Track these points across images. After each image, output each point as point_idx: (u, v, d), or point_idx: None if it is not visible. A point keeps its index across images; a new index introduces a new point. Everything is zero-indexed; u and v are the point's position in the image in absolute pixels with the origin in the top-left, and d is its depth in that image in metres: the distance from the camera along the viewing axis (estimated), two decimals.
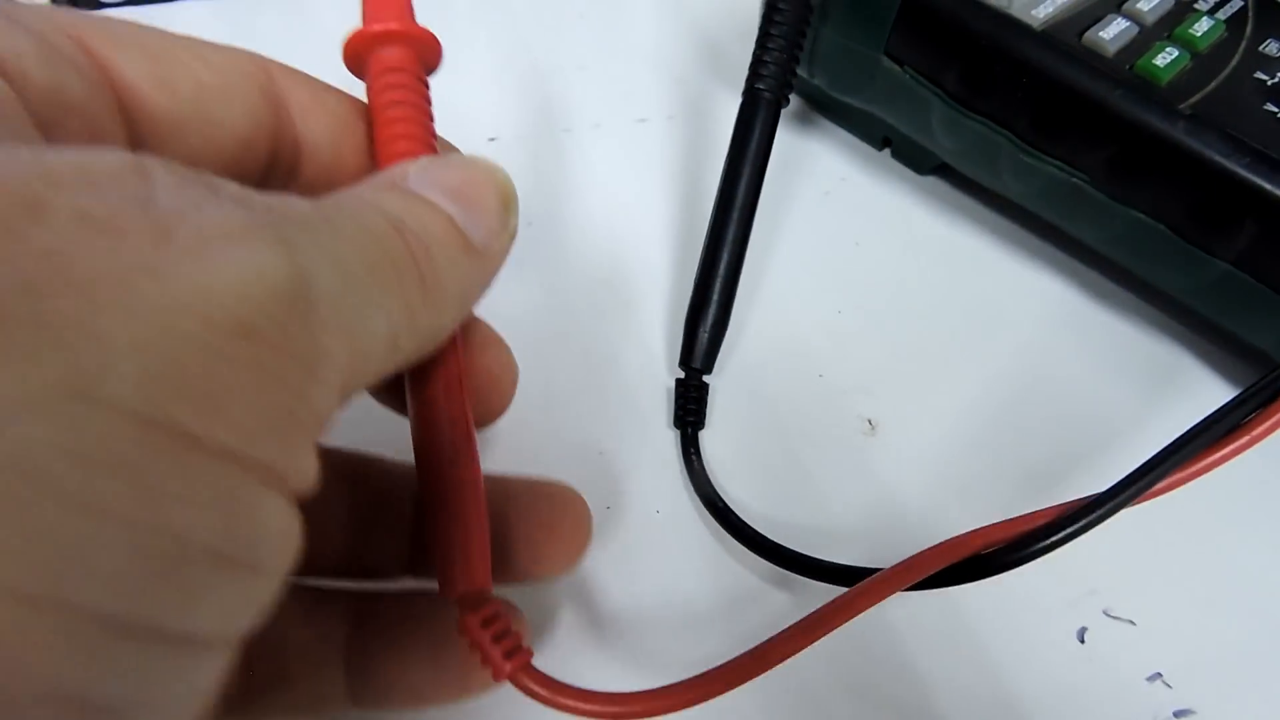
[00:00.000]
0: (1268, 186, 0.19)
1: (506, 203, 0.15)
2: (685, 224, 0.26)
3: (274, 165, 0.16)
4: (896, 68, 0.24)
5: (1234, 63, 0.22)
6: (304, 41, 0.21)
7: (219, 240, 0.09)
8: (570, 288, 0.24)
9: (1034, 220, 0.25)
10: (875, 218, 0.27)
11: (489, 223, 0.14)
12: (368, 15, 0.15)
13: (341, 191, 0.13)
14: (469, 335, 0.16)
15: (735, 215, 0.22)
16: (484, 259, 0.14)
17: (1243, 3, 0.24)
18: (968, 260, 0.26)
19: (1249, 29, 0.23)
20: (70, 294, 0.08)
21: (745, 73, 0.23)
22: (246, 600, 0.10)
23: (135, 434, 0.08)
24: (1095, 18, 0.22)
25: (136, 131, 0.14)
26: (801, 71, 0.27)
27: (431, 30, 0.16)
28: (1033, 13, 0.22)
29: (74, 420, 0.08)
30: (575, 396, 0.22)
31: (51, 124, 0.12)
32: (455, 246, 0.13)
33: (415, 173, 0.14)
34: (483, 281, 0.15)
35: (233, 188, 0.10)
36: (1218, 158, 0.20)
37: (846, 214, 0.27)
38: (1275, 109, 0.21)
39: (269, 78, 0.15)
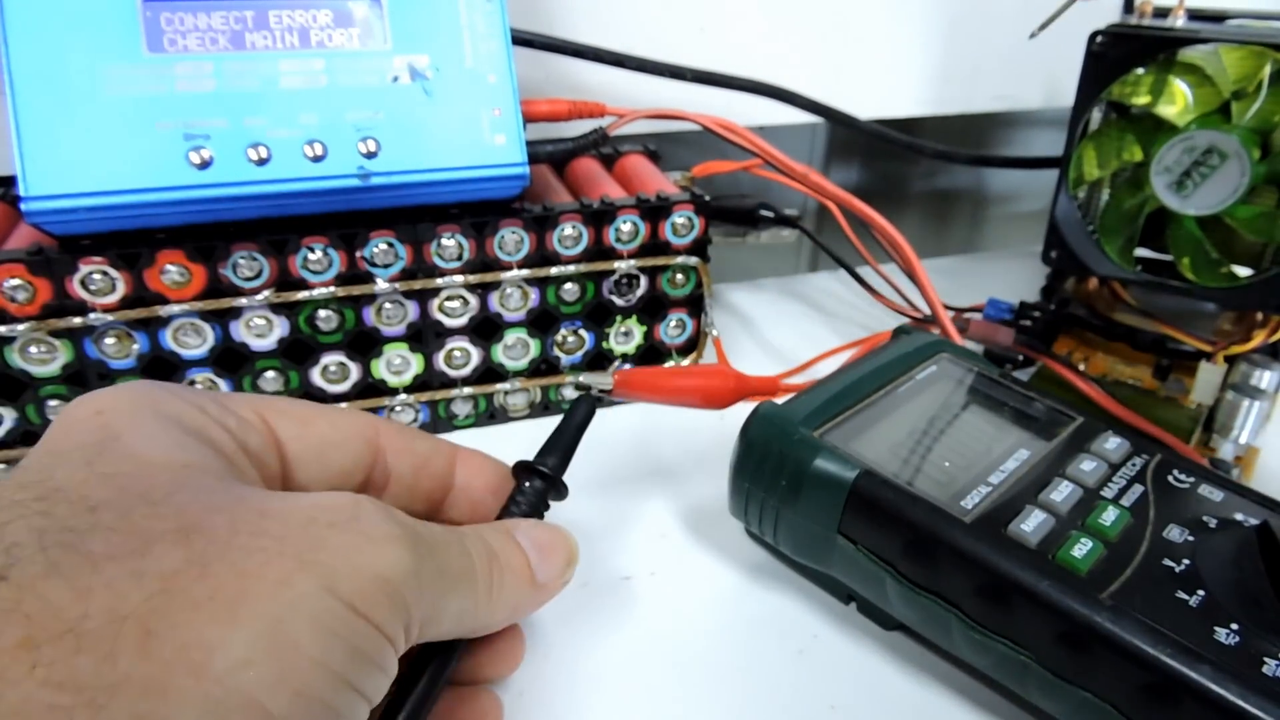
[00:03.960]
0: (1194, 676, 0.21)
1: (570, 560, 0.24)
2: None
3: (368, 485, 0.25)
4: (851, 546, 0.27)
5: (1143, 550, 0.25)
6: None
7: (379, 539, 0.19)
8: None
9: (998, 683, 0.27)
10: (848, 678, 0.28)
11: (552, 570, 0.23)
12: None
13: (475, 525, 0.23)
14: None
15: None
16: (540, 591, 0.23)
17: (1143, 488, 0.28)
18: None
19: (1152, 515, 0.26)
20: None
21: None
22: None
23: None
24: (1016, 510, 0.26)
25: (285, 467, 0.23)
26: (769, 539, 0.30)
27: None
28: (961, 504, 0.26)
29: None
30: None
31: (256, 465, 0.21)
32: (523, 579, 0.23)
33: (524, 527, 0.24)
34: (533, 605, 0.24)
35: (400, 515, 0.20)
36: (1143, 647, 0.22)
37: (820, 675, 0.28)
38: (1186, 596, 0.23)
39: (375, 432, 0.25)
